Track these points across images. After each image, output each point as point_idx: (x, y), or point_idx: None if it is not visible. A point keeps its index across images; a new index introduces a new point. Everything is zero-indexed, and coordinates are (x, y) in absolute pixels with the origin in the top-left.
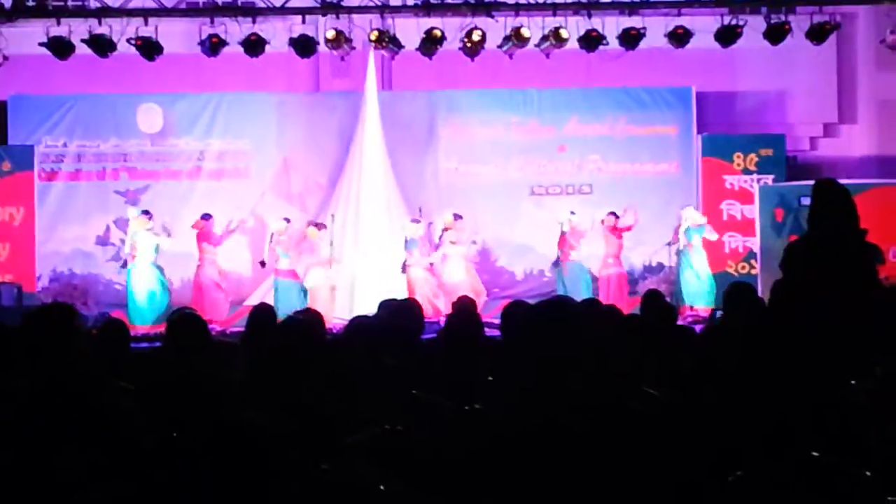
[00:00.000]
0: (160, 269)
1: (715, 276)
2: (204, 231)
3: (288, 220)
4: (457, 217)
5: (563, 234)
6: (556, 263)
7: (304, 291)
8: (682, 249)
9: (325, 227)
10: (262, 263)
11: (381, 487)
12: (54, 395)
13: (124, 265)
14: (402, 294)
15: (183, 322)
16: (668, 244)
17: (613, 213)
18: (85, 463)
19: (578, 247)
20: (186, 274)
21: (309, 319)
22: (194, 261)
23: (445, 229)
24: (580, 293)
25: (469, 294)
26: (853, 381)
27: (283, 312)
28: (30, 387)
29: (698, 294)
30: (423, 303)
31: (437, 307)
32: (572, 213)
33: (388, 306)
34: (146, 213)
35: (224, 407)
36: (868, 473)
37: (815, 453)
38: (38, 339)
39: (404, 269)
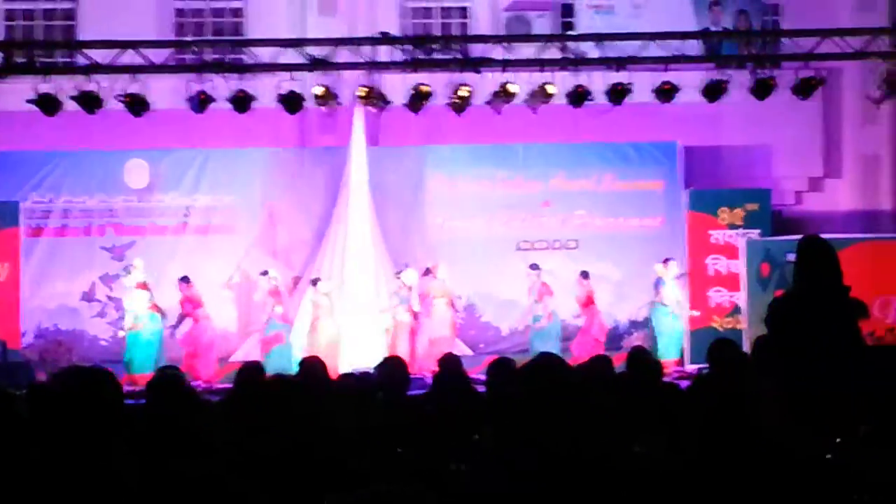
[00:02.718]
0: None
1: (700, 331)
2: (187, 294)
3: (265, 273)
4: (426, 272)
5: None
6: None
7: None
8: (655, 303)
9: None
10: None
11: None
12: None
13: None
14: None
15: (165, 382)
16: (652, 302)
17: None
18: None
19: (547, 301)
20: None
21: (306, 373)
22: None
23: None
24: (549, 347)
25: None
26: (837, 440)
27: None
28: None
29: (667, 347)
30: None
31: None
32: (533, 266)
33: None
34: (144, 285)
35: (207, 467)
36: None
37: None
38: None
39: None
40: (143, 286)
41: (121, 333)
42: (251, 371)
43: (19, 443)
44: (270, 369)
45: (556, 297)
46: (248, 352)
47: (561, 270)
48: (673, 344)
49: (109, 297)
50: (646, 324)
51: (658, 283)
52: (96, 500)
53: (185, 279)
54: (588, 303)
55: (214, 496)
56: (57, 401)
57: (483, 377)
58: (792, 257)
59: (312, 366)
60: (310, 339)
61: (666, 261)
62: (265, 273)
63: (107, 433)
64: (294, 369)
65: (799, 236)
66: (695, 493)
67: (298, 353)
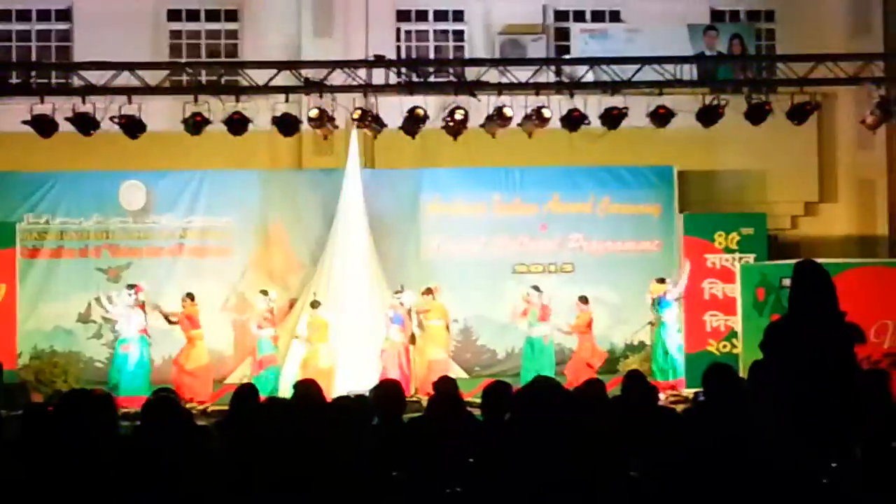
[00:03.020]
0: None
1: (696, 354)
2: (188, 312)
3: (265, 293)
4: (427, 291)
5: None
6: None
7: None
8: (655, 324)
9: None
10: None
11: None
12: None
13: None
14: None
15: (159, 405)
16: (650, 324)
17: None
18: None
19: (536, 322)
20: (170, 351)
21: (301, 396)
22: (175, 338)
23: (419, 312)
24: (541, 367)
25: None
26: (833, 464)
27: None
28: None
29: (663, 369)
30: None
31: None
32: (534, 287)
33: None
34: (142, 306)
35: (201, 489)
36: None
37: None
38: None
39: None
40: (142, 307)
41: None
42: (246, 393)
43: (6, 464)
44: (262, 391)
45: (553, 321)
46: (243, 374)
47: (557, 294)
48: (677, 364)
49: (105, 319)
50: (641, 347)
51: (661, 303)
52: None
53: (190, 296)
54: (587, 329)
55: None
56: (53, 422)
57: (478, 400)
58: (787, 282)
59: (307, 388)
60: (306, 362)
61: (662, 280)
62: (265, 293)
63: (100, 455)
64: (281, 391)
65: (795, 261)
66: None
67: (294, 376)
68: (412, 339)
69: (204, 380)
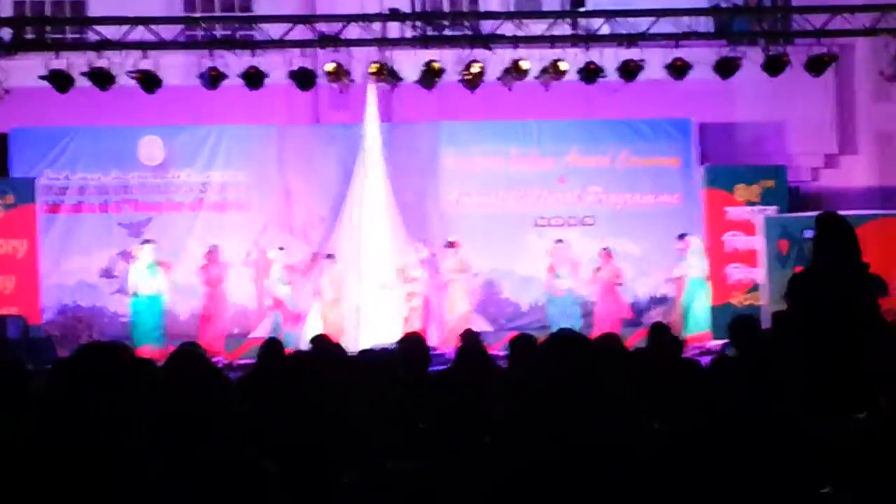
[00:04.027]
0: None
1: (719, 307)
2: (213, 266)
3: (282, 248)
4: (450, 245)
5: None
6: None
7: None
8: (690, 276)
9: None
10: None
11: None
12: None
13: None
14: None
15: (184, 358)
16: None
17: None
18: None
19: (566, 275)
20: (192, 305)
21: (319, 350)
22: (198, 292)
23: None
24: (569, 323)
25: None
26: (859, 415)
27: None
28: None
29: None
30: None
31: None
32: (559, 241)
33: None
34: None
35: (224, 443)
36: None
37: (822, 489)
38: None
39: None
40: (164, 265)
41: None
42: (273, 347)
43: (31, 420)
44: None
45: (580, 274)
46: (266, 327)
47: (578, 247)
48: (704, 318)
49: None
50: (664, 300)
51: (688, 255)
52: (109, 479)
53: (214, 249)
54: (618, 282)
55: (235, 478)
56: (74, 377)
57: (503, 353)
58: (810, 234)
59: (324, 342)
60: (326, 317)
61: (682, 237)
62: (281, 249)
63: (121, 411)
64: (302, 346)
65: (816, 213)
66: (713, 469)
67: (315, 331)
68: (437, 290)
69: (222, 333)
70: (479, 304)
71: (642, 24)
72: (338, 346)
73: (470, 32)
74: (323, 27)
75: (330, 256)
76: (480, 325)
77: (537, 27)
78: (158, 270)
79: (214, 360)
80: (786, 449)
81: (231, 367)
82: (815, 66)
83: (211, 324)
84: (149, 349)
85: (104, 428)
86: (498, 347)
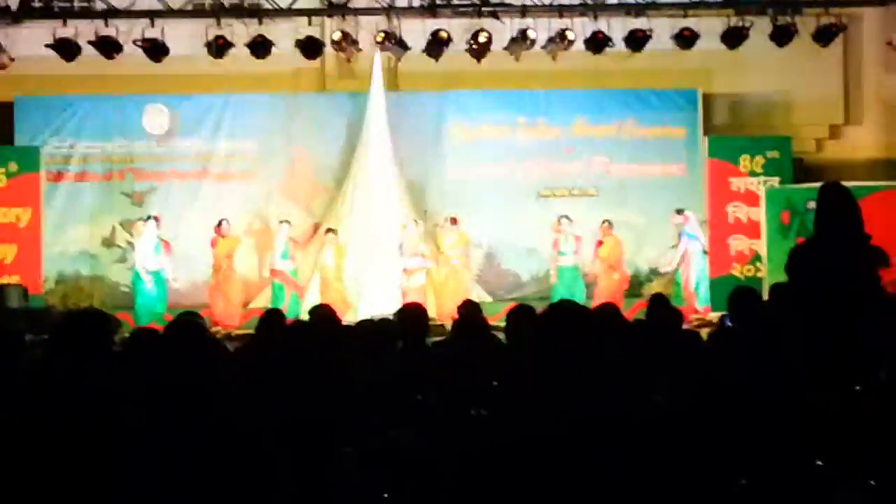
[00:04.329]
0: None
1: (720, 279)
2: (221, 237)
3: (288, 223)
4: (453, 221)
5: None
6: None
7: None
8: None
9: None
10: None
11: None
12: None
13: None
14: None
15: (181, 328)
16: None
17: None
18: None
19: (570, 252)
20: (194, 276)
21: (318, 320)
22: (200, 263)
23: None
24: (573, 296)
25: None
26: (858, 387)
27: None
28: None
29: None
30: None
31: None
32: (565, 217)
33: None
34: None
35: (222, 412)
36: (872, 483)
37: (819, 461)
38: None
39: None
40: (166, 245)
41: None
42: (273, 317)
43: (29, 387)
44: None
45: (584, 251)
46: (268, 297)
47: (582, 218)
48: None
49: (130, 244)
50: (665, 272)
51: (684, 233)
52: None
53: (224, 222)
54: (617, 255)
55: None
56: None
57: (502, 324)
58: (813, 205)
59: (323, 312)
60: (327, 287)
61: (680, 211)
62: (287, 222)
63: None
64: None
65: (820, 184)
66: (713, 441)
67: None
68: (438, 264)
69: (234, 305)
70: (480, 274)
71: None
72: (336, 317)
73: (477, 1)
74: None
75: (331, 231)
76: (479, 296)
77: None
78: (161, 248)
79: (214, 329)
80: (783, 421)
81: (230, 337)
82: (823, 36)
83: (223, 297)
84: (156, 325)
85: (98, 402)
86: (497, 318)
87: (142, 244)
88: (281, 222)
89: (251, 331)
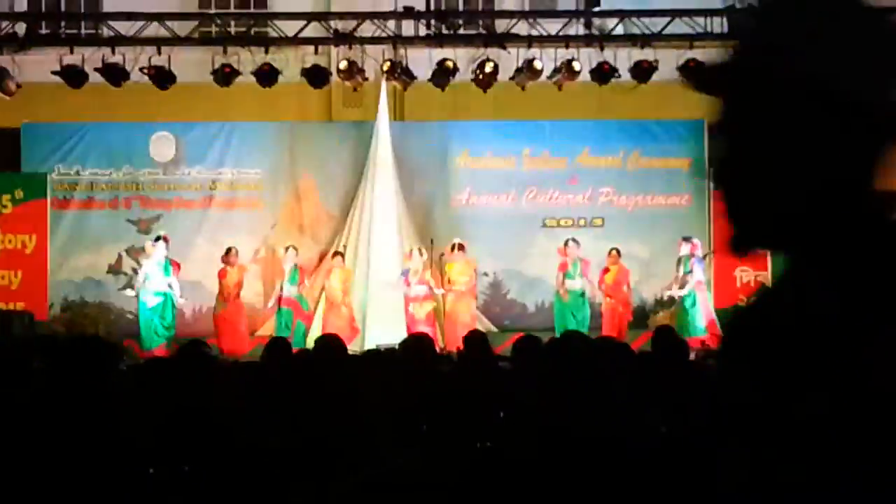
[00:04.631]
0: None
1: (726, 309)
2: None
3: (295, 248)
4: (460, 248)
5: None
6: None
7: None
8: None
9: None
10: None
11: None
12: None
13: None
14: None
15: (187, 355)
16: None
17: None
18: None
19: (577, 275)
20: (199, 303)
21: (324, 350)
22: (206, 290)
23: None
24: (575, 323)
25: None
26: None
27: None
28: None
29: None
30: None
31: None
32: (573, 240)
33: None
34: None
35: (228, 439)
36: None
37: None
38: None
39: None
40: (175, 265)
41: (129, 293)
42: (278, 346)
43: (32, 418)
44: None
45: (591, 275)
46: (274, 326)
47: (588, 248)
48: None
49: (135, 271)
50: (671, 303)
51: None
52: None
53: (232, 251)
54: (623, 284)
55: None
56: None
57: (509, 355)
58: None
59: (329, 342)
60: (333, 315)
61: (687, 239)
62: (295, 248)
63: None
64: (309, 345)
65: None
66: (713, 473)
67: (321, 330)
68: (442, 290)
69: (242, 333)
70: (485, 304)
71: (657, 24)
72: (342, 346)
73: (484, 31)
74: (337, 24)
75: (338, 254)
76: (485, 326)
77: (551, 27)
78: (171, 268)
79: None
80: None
81: (237, 364)
82: None
83: (230, 326)
84: (163, 348)
85: (101, 427)
86: (502, 349)
87: (150, 265)
88: (287, 248)
89: (257, 359)
